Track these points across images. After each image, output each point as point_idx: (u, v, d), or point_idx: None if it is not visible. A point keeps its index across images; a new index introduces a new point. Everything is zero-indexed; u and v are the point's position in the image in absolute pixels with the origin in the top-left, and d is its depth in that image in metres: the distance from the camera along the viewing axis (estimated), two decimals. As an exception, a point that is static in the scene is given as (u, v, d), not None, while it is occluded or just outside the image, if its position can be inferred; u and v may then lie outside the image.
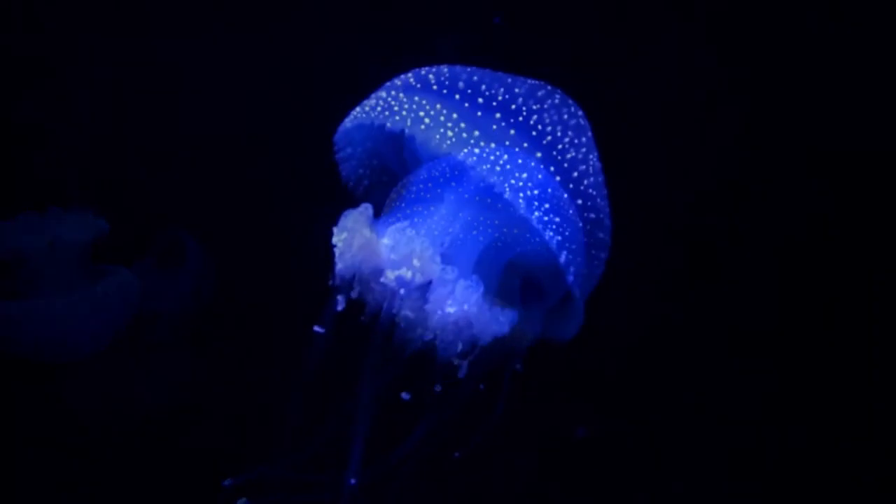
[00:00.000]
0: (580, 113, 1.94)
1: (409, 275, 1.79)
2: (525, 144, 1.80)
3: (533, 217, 1.74)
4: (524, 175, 1.77)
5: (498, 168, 1.76)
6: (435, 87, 1.87)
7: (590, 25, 2.69)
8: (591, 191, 1.85)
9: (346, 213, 1.91)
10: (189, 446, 2.61)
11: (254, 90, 2.76)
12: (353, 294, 1.90)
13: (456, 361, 1.85)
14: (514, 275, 1.99)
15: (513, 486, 2.66)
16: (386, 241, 1.83)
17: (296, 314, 2.09)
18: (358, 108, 1.99)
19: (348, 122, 2.01)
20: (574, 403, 2.66)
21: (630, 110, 2.58)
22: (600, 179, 1.91)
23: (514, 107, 1.84)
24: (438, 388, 1.92)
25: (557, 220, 1.76)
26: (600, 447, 2.67)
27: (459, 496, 2.64)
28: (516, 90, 1.87)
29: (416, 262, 1.79)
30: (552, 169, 1.82)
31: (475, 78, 1.87)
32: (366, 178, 2.16)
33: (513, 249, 1.90)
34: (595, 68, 2.55)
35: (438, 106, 1.82)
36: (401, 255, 1.80)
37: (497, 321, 1.80)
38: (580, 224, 1.83)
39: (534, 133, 1.82)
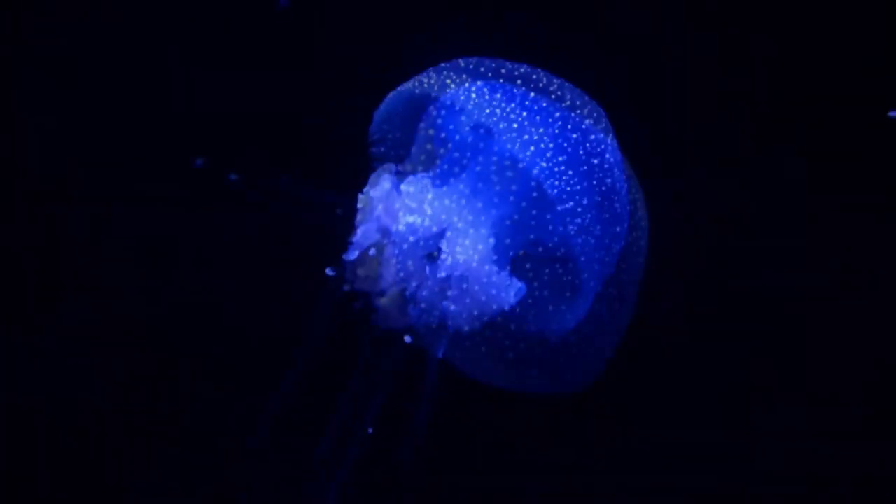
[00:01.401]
0: (596, 105, 2.00)
1: (418, 221, 1.82)
2: (544, 104, 1.85)
3: (543, 167, 1.79)
4: (540, 130, 1.83)
5: (515, 125, 1.82)
6: (462, 65, 1.94)
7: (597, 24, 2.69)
8: (608, 156, 1.89)
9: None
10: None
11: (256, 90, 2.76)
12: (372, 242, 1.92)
13: (463, 329, 1.86)
14: (527, 258, 2.01)
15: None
16: (403, 187, 1.87)
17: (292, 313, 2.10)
18: (395, 90, 2.06)
19: (390, 100, 2.06)
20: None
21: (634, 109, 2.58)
22: (619, 157, 1.95)
23: (535, 76, 1.91)
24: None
25: (570, 172, 1.82)
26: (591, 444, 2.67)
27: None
28: (537, 72, 1.94)
29: (427, 209, 1.82)
30: (569, 127, 1.86)
31: (496, 62, 1.95)
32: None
33: (530, 230, 1.92)
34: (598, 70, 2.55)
35: (464, 75, 1.89)
36: (415, 200, 1.84)
37: (505, 288, 1.81)
38: (594, 182, 1.86)
39: (553, 97, 1.88)
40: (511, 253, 1.89)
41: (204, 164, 2.16)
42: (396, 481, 2.44)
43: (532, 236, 1.90)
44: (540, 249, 1.91)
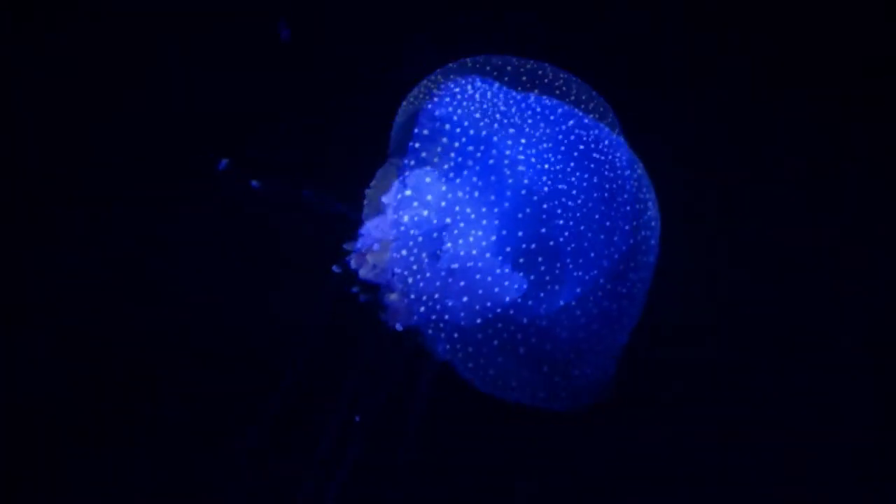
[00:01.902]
0: (603, 100, 2.01)
1: (423, 213, 1.83)
2: (548, 101, 1.87)
3: (550, 166, 1.81)
4: (547, 130, 1.84)
5: (518, 125, 1.84)
6: (469, 64, 1.95)
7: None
8: (616, 153, 1.91)
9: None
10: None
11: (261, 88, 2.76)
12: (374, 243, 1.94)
13: (468, 323, 1.87)
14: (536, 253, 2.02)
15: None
16: (411, 180, 1.89)
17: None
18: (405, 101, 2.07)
19: (401, 117, 2.08)
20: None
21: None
22: (626, 152, 1.96)
23: (541, 72, 1.92)
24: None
25: (574, 167, 1.83)
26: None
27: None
28: (544, 67, 1.95)
29: (436, 202, 1.84)
30: (571, 124, 1.88)
31: (503, 59, 1.96)
32: None
33: (541, 224, 1.92)
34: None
35: (475, 79, 1.91)
36: (423, 194, 1.86)
37: (508, 282, 1.82)
38: (602, 177, 1.87)
39: (558, 92, 1.89)
40: (523, 245, 1.90)
41: (227, 166, 2.15)
42: (395, 481, 2.44)
43: (543, 230, 1.91)
44: (550, 244, 1.91)
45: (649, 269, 1.99)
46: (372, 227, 1.93)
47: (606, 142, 1.93)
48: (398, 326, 1.94)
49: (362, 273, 1.94)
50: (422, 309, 1.89)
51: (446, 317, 1.88)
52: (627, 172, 1.95)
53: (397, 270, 1.90)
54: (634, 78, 2.65)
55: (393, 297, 1.92)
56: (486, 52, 2.15)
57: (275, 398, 2.30)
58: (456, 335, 1.91)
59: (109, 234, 2.71)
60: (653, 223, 2.01)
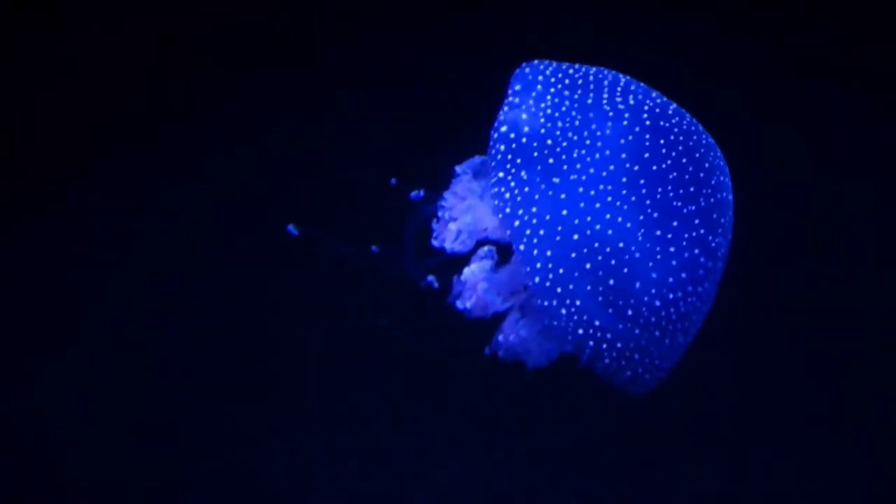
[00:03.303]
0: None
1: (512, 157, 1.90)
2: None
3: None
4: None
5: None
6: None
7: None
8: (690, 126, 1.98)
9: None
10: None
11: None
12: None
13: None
14: None
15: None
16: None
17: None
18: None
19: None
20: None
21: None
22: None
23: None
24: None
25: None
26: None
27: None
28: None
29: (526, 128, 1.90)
30: (656, 94, 1.97)
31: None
32: None
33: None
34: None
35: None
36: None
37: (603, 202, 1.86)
38: (693, 128, 1.96)
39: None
40: (627, 165, 1.89)
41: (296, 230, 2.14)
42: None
43: (646, 154, 1.90)
44: (654, 168, 1.90)
45: (727, 243, 2.01)
46: (453, 193, 1.96)
47: (674, 111, 2.00)
48: (476, 312, 1.95)
49: (448, 246, 1.95)
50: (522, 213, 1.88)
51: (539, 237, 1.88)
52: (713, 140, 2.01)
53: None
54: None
55: (468, 271, 1.94)
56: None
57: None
58: (549, 253, 1.89)
59: (110, 233, 2.72)
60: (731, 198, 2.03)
